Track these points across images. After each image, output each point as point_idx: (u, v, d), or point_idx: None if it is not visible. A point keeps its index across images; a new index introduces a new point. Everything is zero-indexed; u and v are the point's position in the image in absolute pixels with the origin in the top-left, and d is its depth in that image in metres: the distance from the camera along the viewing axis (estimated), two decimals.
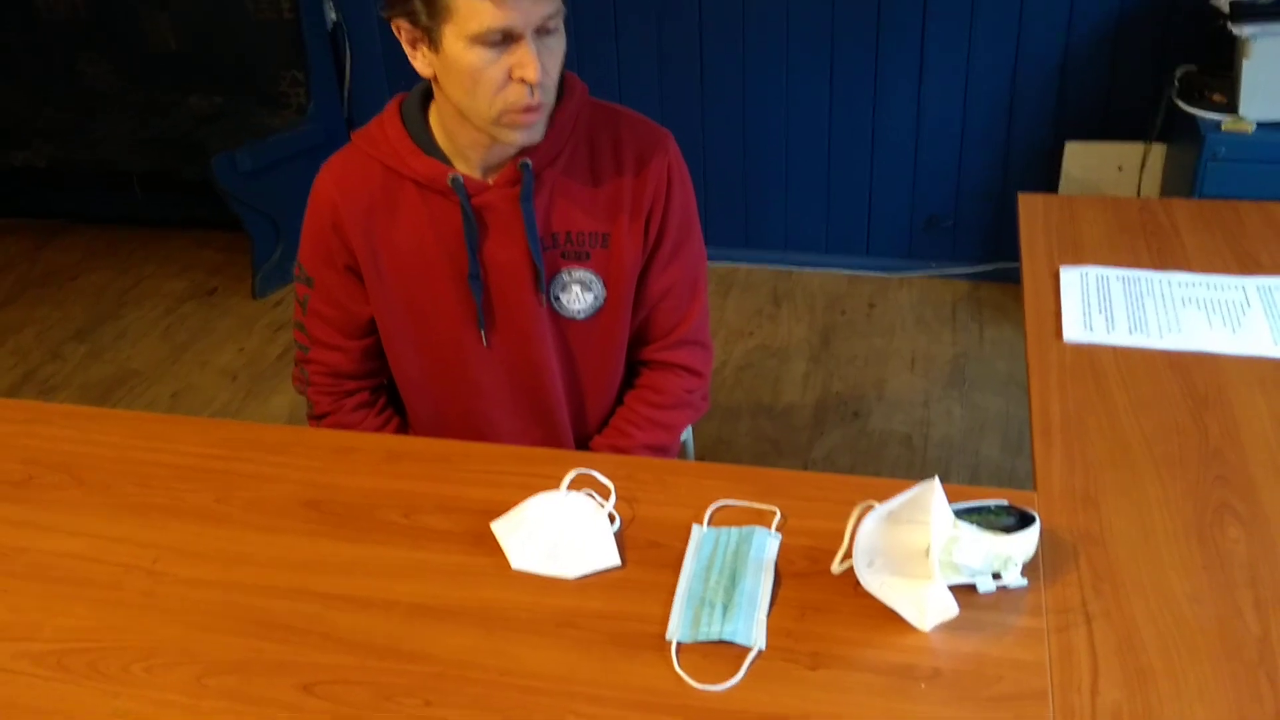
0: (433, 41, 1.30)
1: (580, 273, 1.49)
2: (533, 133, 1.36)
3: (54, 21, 3.82)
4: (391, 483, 1.33)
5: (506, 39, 1.27)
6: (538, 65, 1.28)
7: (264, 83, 3.68)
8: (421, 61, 1.34)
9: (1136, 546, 1.15)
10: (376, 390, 1.64)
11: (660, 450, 1.61)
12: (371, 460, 1.37)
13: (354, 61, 3.70)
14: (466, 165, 1.44)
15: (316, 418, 1.61)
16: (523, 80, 1.28)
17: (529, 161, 1.40)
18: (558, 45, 1.32)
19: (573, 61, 3.45)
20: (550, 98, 1.36)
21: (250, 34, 3.62)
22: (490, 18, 1.24)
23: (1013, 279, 3.41)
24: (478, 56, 1.27)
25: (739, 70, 3.38)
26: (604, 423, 1.64)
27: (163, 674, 1.07)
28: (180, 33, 3.74)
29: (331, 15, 3.63)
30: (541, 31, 1.28)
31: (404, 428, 1.66)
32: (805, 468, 2.69)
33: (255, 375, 3.24)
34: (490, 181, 1.43)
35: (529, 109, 1.32)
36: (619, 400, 1.64)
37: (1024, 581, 1.10)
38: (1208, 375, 1.43)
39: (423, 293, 1.50)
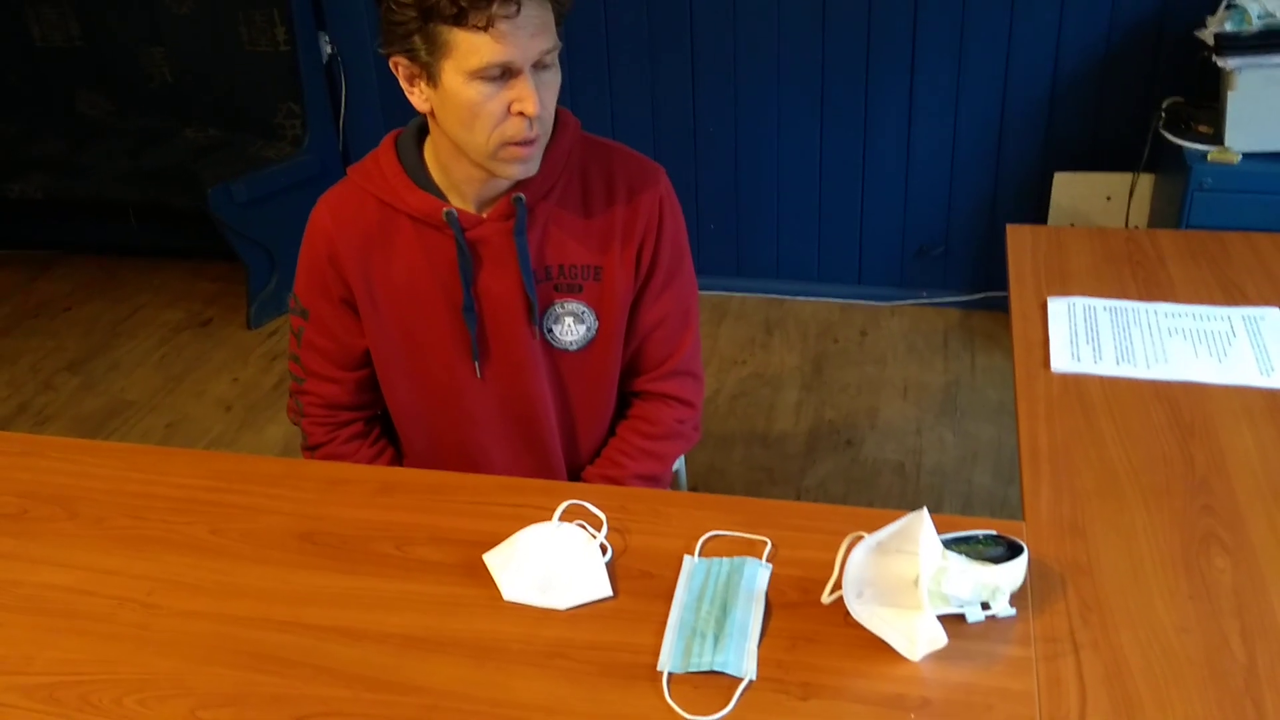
0: (431, 77, 1.31)
1: (573, 305, 1.50)
2: (529, 166, 1.38)
3: (50, 54, 3.85)
4: (384, 514, 1.33)
5: (505, 74, 1.29)
6: (536, 99, 1.30)
7: (260, 115, 3.71)
8: (419, 97, 1.36)
9: (1124, 576, 1.16)
10: (371, 421, 1.65)
11: (652, 480, 1.62)
12: (364, 492, 1.38)
13: (349, 94, 3.73)
14: (461, 200, 1.45)
15: (310, 449, 1.62)
16: (521, 114, 1.31)
17: (523, 196, 1.42)
18: (554, 79, 1.34)
19: (567, 95, 3.48)
20: (547, 131, 1.38)
21: (246, 66, 3.65)
22: (490, 53, 1.26)
23: (1004, 307, 3.41)
24: (477, 91, 1.29)
25: (731, 101, 3.41)
26: (596, 453, 1.65)
27: (156, 706, 1.08)
28: (176, 65, 3.76)
29: (327, 48, 3.65)
30: (539, 66, 1.30)
31: (398, 458, 1.66)
32: (798, 496, 2.69)
33: (250, 405, 3.24)
34: (484, 216, 1.45)
35: (526, 141, 1.34)
36: (611, 430, 1.65)
37: (1012, 611, 1.11)
38: (1194, 405, 1.44)
39: (417, 325, 1.51)
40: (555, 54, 1.32)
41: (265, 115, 3.69)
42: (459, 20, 1.25)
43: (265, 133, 3.71)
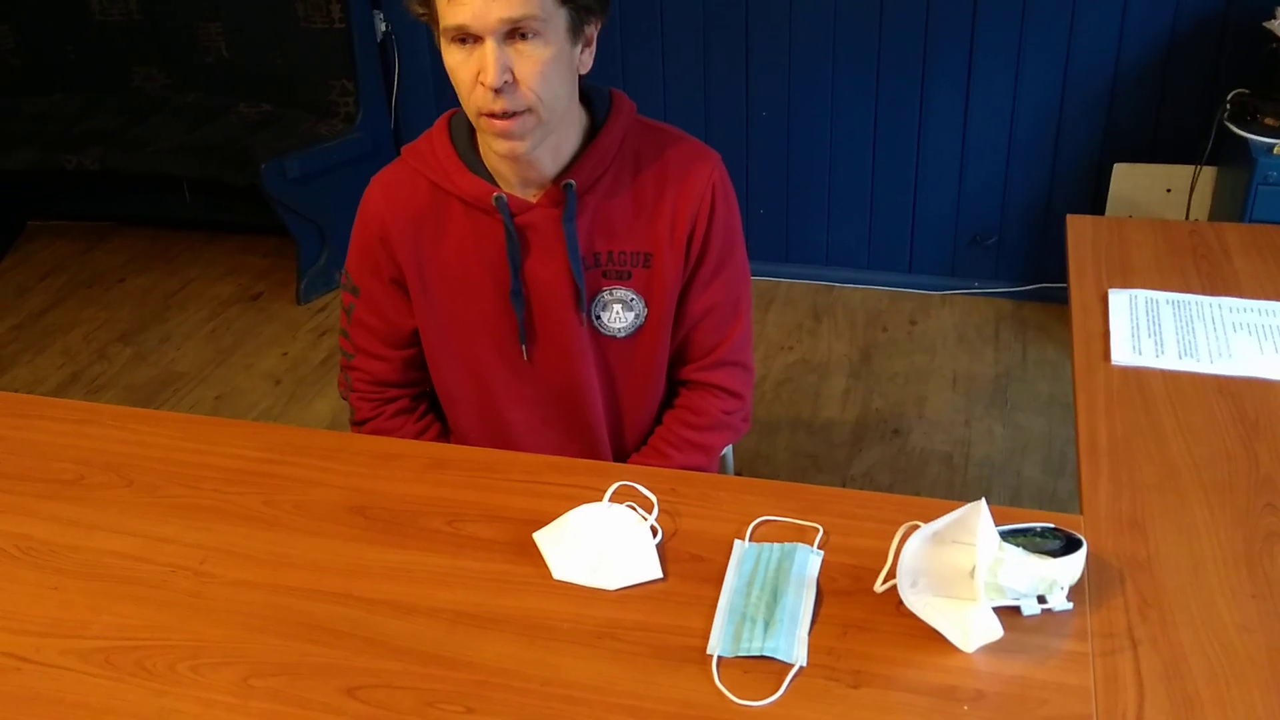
0: (436, 39, 1.31)
1: (621, 292, 1.49)
2: (514, 145, 1.33)
3: (109, 28, 3.89)
4: (435, 490, 1.34)
5: (474, 39, 1.26)
6: (495, 69, 1.24)
7: (314, 92, 3.72)
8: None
9: (1184, 573, 1.14)
10: (417, 398, 1.65)
11: (697, 471, 1.60)
12: (416, 467, 1.38)
13: (402, 72, 3.74)
14: (507, 183, 1.44)
15: (358, 423, 1.62)
16: (482, 83, 1.27)
17: (573, 182, 1.41)
18: (535, 52, 1.27)
19: (620, 78, 3.47)
20: (538, 108, 1.30)
21: (301, 43, 3.67)
22: (450, 15, 1.25)
23: (1057, 299, 3.38)
24: (451, 55, 1.28)
25: (784, 84, 3.38)
26: (642, 441, 1.64)
27: (209, 674, 1.09)
28: (232, 40, 3.79)
29: (381, 26, 3.66)
30: (511, 35, 1.25)
31: (444, 434, 1.66)
32: (844, 484, 2.68)
33: (298, 380, 3.27)
34: (534, 200, 1.44)
35: (499, 114, 1.29)
36: (658, 419, 1.64)
37: (1069, 605, 1.09)
38: (1258, 401, 1.41)
39: (466, 307, 1.51)
40: (536, 24, 1.25)
41: (319, 92, 3.71)
42: None
43: (319, 110, 3.73)
